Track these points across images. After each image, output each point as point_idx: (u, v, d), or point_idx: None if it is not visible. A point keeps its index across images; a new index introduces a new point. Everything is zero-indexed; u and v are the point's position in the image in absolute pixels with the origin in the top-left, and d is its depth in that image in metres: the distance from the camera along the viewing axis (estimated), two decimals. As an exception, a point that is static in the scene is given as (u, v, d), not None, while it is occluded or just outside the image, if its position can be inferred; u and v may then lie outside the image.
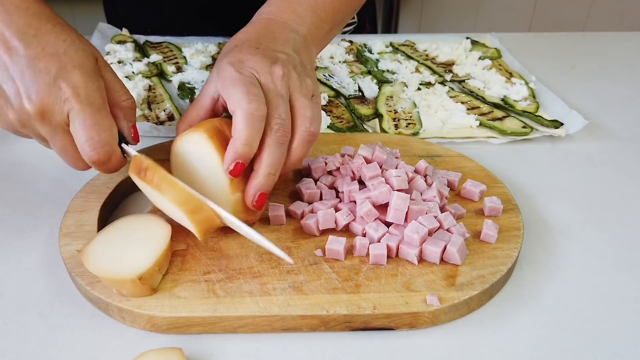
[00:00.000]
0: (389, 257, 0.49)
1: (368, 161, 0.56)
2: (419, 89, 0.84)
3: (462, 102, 0.80)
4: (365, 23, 1.11)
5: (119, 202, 0.59)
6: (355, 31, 1.05)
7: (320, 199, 0.56)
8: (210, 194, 0.48)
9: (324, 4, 0.59)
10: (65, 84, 0.46)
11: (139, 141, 0.53)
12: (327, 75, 0.87)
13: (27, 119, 0.47)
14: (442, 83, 0.86)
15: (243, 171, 0.48)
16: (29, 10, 0.47)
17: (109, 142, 0.47)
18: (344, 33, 1.04)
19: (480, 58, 0.93)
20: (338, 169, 0.58)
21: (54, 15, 0.49)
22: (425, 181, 0.56)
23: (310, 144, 0.52)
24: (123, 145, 0.50)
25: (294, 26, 0.57)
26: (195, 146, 0.49)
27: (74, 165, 0.50)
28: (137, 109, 0.76)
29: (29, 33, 0.46)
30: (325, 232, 0.52)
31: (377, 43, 0.98)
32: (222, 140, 0.48)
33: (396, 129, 0.73)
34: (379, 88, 0.83)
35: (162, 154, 0.63)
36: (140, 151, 0.63)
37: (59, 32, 0.48)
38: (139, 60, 0.89)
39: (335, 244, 0.48)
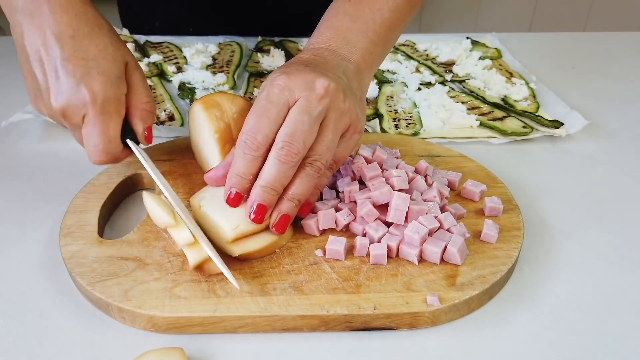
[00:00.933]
0: (389, 257, 0.49)
1: (368, 161, 0.56)
2: (419, 89, 0.84)
3: (463, 102, 0.79)
4: None
5: (120, 202, 0.59)
6: None
7: (321, 199, 0.56)
8: (207, 155, 0.56)
9: (375, 25, 0.55)
10: (86, 89, 0.49)
11: (151, 142, 0.57)
12: (328, 75, 0.87)
13: (53, 114, 0.51)
14: (443, 83, 0.86)
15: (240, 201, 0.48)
16: (71, 10, 0.50)
17: (111, 150, 0.51)
18: None
19: (480, 58, 0.93)
20: (338, 169, 0.58)
21: (96, 16, 0.52)
22: (426, 181, 0.56)
23: (313, 180, 0.48)
24: (128, 141, 0.53)
25: (345, 54, 0.53)
26: (195, 114, 0.57)
27: (88, 158, 0.53)
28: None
29: (66, 33, 0.49)
30: (325, 232, 0.52)
31: (377, 43, 0.98)
32: (218, 112, 0.55)
33: (396, 129, 0.73)
34: (379, 88, 0.83)
35: (162, 154, 0.63)
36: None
37: (95, 37, 0.50)
38: (139, 61, 0.89)
39: (336, 244, 0.48)
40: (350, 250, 0.50)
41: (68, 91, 0.49)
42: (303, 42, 0.99)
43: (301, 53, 0.54)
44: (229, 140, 0.54)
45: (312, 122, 0.46)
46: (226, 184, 0.48)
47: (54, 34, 0.49)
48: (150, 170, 0.52)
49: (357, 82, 0.53)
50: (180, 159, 0.62)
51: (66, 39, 0.49)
